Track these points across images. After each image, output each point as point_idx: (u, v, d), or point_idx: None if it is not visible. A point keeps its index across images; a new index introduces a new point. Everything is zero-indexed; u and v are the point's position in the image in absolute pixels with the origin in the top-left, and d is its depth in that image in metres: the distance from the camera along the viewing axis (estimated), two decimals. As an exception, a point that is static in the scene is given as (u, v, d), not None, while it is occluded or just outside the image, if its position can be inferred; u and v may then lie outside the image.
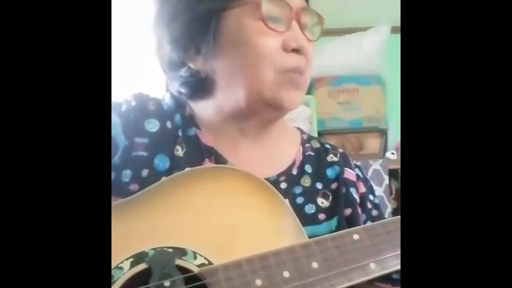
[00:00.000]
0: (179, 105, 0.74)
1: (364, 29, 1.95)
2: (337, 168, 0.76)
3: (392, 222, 0.60)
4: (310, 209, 0.71)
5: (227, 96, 0.69)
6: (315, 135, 1.79)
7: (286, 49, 0.66)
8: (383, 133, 1.92)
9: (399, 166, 1.79)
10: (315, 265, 0.55)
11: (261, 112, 0.69)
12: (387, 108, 1.92)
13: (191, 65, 0.69)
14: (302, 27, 0.68)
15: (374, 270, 0.56)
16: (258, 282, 0.53)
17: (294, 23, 0.68)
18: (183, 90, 0.73)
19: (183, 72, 0.71)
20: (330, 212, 0.72)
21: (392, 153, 1.87)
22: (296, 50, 0.67)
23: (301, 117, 1.75)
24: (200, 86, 0.71)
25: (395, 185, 1.87)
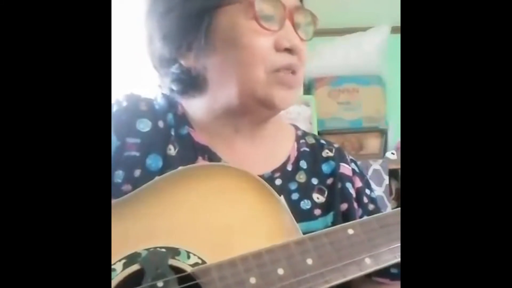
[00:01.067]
0: (171, 104, 0.73)
1: (364, 29, 1.95)
2: (332, 163, 0.76)
3: (387, 216, 0.59)
4: (305, 204, 0.71)
5: (219, 94, 0.69)
6: (315, 135, 1.79)
7: (279, 48, 0.66)
8: (383, 133, 1.93)
9: (399, 166, 1.79)
10: (309, 261, 0.54)
11: (253, 110, 0.69)
12: (387, 108, 1.93)
13: (182, 62, 0.69)
14: (295, 26, 0.68)
15: (369, 265, 0.55)
16: (252, 280, 0.52)
17: (287, 22, 0.67)
18: (174, 87, 0.73)
19: (174, 68, 0.70)
20: (326, 208, 0.72)
21: (392, 153, 1.87)
22: (288, 50, 0.67)
23: (301, 117, 1.75)
24: (192, 83, 0.70)
25: (395, 185, 1.87)
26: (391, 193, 1.83)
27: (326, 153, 0.77)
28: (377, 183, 1.72)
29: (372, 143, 1.92)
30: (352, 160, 0.80)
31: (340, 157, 0.78)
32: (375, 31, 1.94)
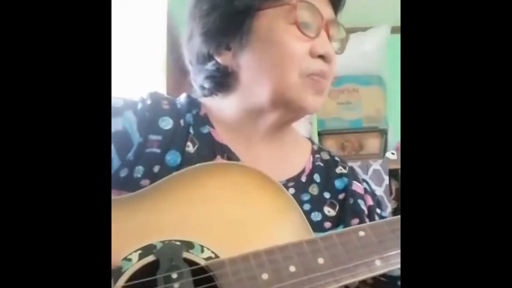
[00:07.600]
0: (193, 105, 0.75)
1: (364, 29, 1.95)
2: (345, 179, 0.78)
3: (397, 220, 0.61)
4: (316, 216, 0.73)
5: (250, 92, 0.71)
6: (315, 135, 1.79)
7: (313, 54, 0.69)
8: (383, 133, 1.92)
9: (399, 166, 1.79)
10: (321, 260, 0.55)
11: (280, 112, 0.71)
12: (387, 108, 1.92)
13: (218, 59, 0.71)
14: (330, 37, 0.71)
15: (379, 266, 0.56)
16: (265, 276, 0.53)
17: (323, 33, 0.70)
18: (206, 85, 0.75)
19: (209, 66, 0.73)
20: (336, 221, 0.73)
21: (392, 153, 1.87)
22: (322, 57, 0.69)
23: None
24: (224, 81, 0.73)
25: (395, 185, 1.87)
26: (391, 193, 1.83)
27: (339, 169, 0.79)
28: (377, 183, 1.71)
29: (372, 143, 1.92)
30: (363, 180, 0.82)
31: (353, 175, 0.80)
32: (375, 31, 1.94)
